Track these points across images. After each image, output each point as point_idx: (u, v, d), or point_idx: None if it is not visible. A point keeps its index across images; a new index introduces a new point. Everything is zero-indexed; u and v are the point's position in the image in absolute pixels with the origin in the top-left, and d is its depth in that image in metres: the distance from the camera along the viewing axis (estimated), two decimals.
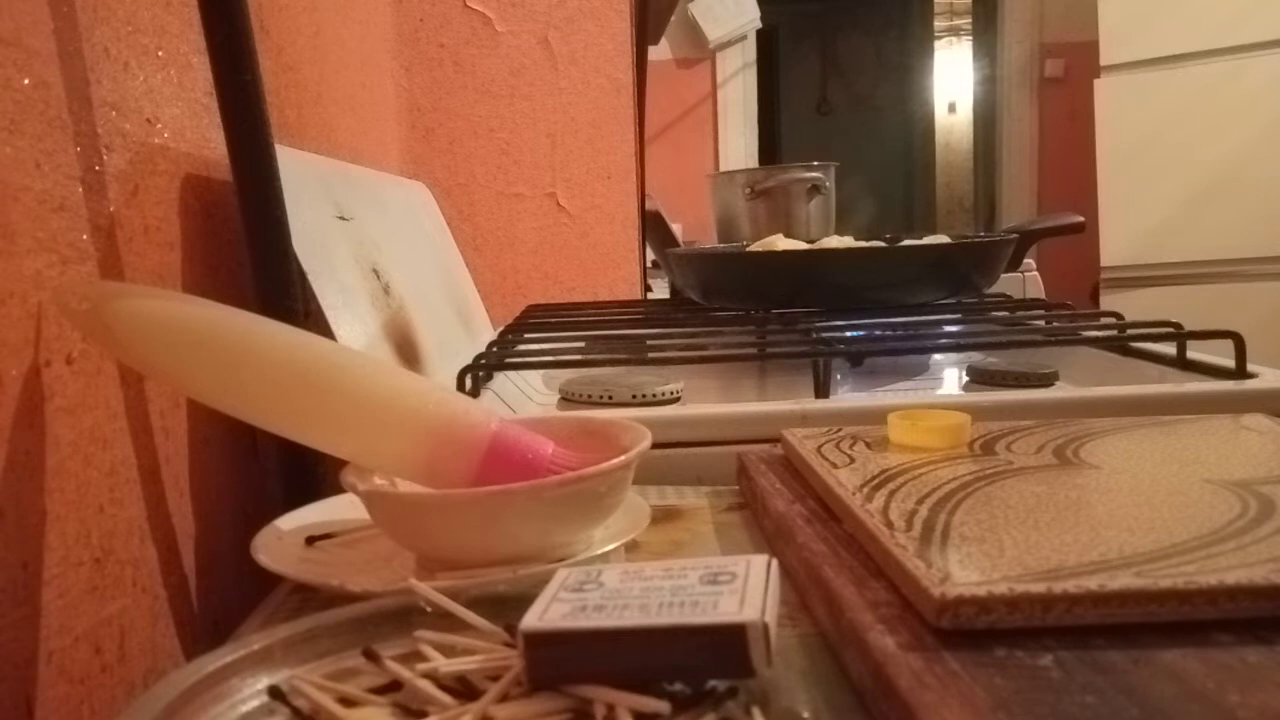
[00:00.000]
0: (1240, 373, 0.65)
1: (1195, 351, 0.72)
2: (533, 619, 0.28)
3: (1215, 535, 0.34)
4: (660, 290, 1.57)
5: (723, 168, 3.66)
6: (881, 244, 1.01)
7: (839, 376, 0.80)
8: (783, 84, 6.20)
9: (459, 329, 0.95)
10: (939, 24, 5.37)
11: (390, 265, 0.80)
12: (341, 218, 0.72)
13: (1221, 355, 0.68)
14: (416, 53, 1.28)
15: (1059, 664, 0.28)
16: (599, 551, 0.42)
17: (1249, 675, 0.27)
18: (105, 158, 0.46)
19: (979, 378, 0.73)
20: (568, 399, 0.74)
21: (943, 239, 1.00)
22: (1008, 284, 1.28)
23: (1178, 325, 0.74)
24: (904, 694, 0.27)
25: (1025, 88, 4.01)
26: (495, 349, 0.82)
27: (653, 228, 1.56)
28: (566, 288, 1.32)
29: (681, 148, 3.79)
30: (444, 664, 0.30)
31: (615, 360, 0.76)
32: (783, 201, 1.55)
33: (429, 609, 0.33)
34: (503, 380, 0.81)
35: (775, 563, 0.30)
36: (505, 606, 0.32)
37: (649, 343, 0.84)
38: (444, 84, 1.29)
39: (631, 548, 0.47)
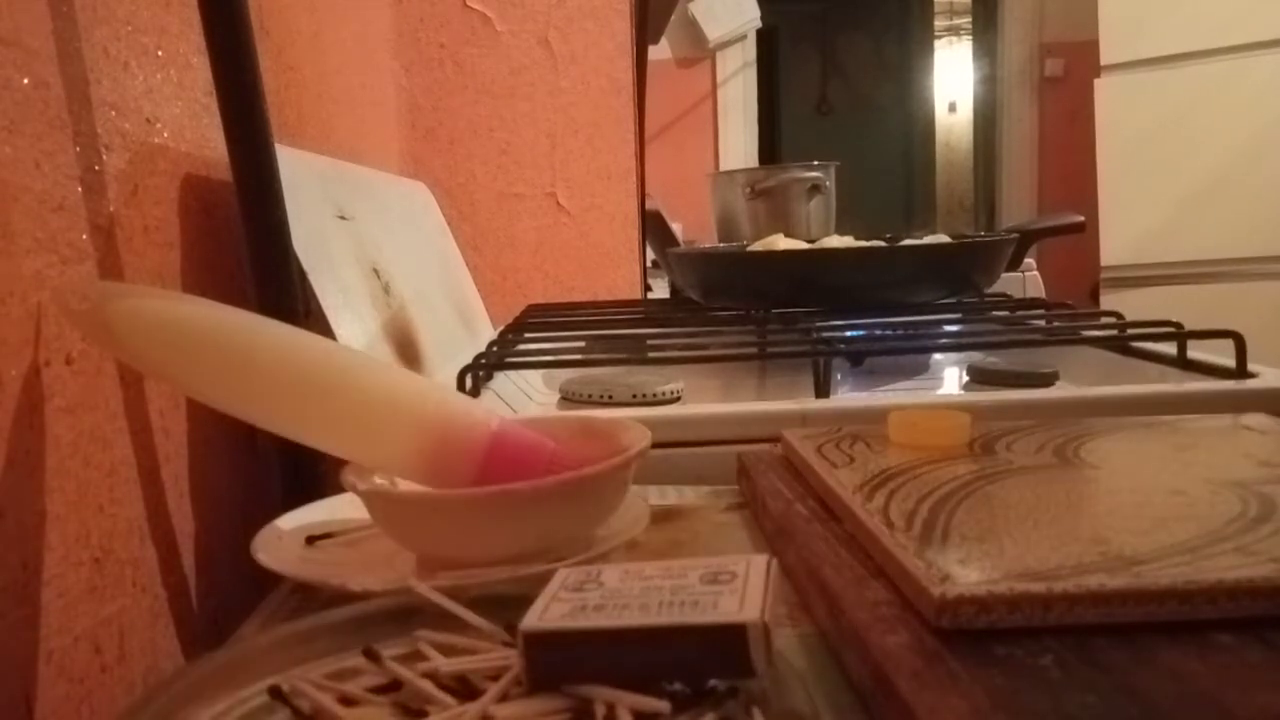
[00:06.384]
0: (1240, 372, 0.65)
1: (1195, 351, 0.72)
2: (533, 619, 0.28)
3: (1215, 535, 0.34)
4: (660, 290, 1.57)
5: (723, 167, 3.65)
6: (881, 244, 1.01)
7: (839, 376, 0.79)
8: (783, 84, 6.19)
9: (459, 329, 0.95)
10: (939, 24, 5.37)
11: (390, 265, 0.80)
12: (341, 217, 0.72)
13: (1222, 355, 0.68)
14: (416, 53, 1.28)
15: (1059, 664, 0.28)
16: (599, 551, 0.42)
17: (1249, 675, 0.27)
18: (105, 158, 0.46)
19: (979, 377, 0.73)
20: (568, 399, 0.74)
21: (943, 239, 1.00)
22: (1008, 284, 1.27)
23: (1178, 325, 0.74)
24: (904, 694, 0.27)
25: (1025, 87, 4.01)
26: (495, 349, 0.82)
27: (653, 228, 1.56)
28: (566, 288, 1.32)
29: (681, 148, 3.79)
30: (444, 664, 0.30)
31: (615, 360, 0.76)
32: (783, 201, 1.54)
33: (429, 609, 0.33)
34: (503, 380, 0.81)
35: (775, 563, 0.30)
36: (505, 606, 0.32)
37: (649, 343, 0.84)
38: (444, 84, 1.29)
39: (631, 548, 0.47)
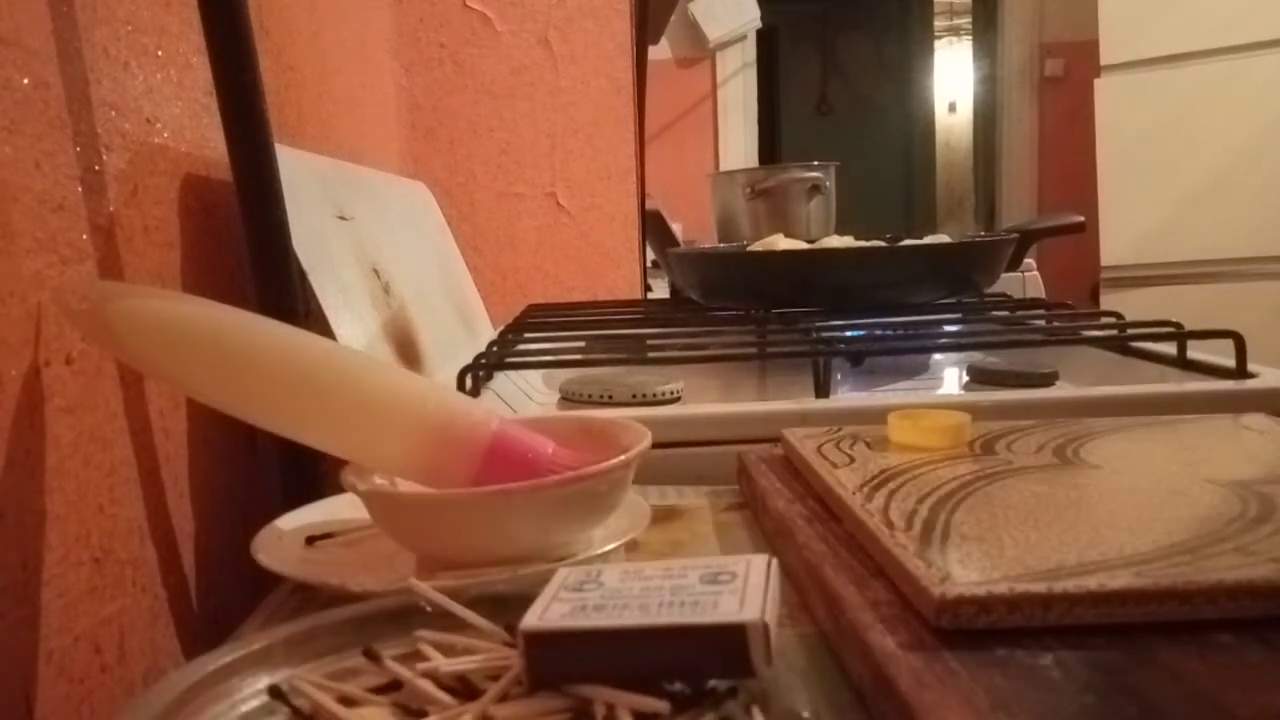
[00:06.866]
0: (1240, 372, 0.65)
1: (1195, 351, 0.72)
2: (533, 618, 0.28)
3: (1215, 535, 0.34)
4: (660, 290, 1.57)
5: (723, 167, 3.65)
6: (882, 244, 1.01)
7: (839, 376, 0.79)
8: (783, 84, 6.19)
9: (459, 329, 0.95)
10: (939, 24, 5.37)
11: (390, 265, 0.80)
12: (341, 217, 0.72)
13: (1221, 355, 0.68)
14: (416, 52, 1.28)
15: (1059, 664, 0.28)
16: (599, 551, 0.42)
17: (1249, 675, 0.27)
18: (105, 158, 0.46)
19: (979, 377, 0.73)
20: (568, 399, 0.74)
21: (943, 239, 1.00)
22: (1008, 284, 1.27)
23: (1178, 325, 0.74)
24: (904, 694, 0.27)
25: (1025, 87, 4.01)
26: (495, 349, 0.82)
27: (653, 228, 1.56)
28: (566, 287, 1.32)
29: (681, 148, 3.79)
30: (444, 664, 0.30)
31: (615, 360, 0.76)
32: (783, 201, 1.54)
33: (429, 609, 0.33)
34: (503, 380, 0.81)
35: (775, 562, 0.30)
36: (505, 606, 0.32)
37: (649, 342, 0.84)
38: (444, 84, 1.29)
39: (631, 548, 0.47)
